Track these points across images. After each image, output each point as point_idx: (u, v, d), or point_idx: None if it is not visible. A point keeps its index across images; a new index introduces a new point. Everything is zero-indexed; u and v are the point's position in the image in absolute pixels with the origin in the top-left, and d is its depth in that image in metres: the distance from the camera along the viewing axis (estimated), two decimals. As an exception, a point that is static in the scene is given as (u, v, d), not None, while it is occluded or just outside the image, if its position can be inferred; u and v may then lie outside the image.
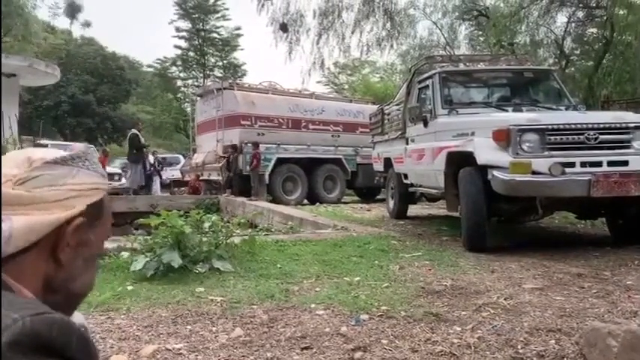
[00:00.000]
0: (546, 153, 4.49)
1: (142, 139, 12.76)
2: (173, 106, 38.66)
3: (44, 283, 0.69)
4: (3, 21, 20.65)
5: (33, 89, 24.77)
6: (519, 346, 2.36)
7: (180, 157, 21.03)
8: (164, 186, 16.80)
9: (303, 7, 14.56)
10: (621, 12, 10.55)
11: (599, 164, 4.42)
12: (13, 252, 0.65)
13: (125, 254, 4.29)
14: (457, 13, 17.49)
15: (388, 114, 8.43)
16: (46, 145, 13.76)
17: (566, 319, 2.74)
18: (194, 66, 38.76)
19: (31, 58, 15.51)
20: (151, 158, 14.14)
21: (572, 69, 14.83)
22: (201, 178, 13.62)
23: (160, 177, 15.05)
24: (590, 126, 4.54)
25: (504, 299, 3.13)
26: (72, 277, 0.73)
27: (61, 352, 0.57)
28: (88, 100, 31.54)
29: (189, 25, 37.72)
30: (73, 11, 50.57)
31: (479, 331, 2.57)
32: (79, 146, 0.78)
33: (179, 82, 39.47)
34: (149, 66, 40.53)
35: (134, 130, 12.78)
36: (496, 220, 5.76)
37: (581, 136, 4.51)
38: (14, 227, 0.64)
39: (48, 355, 0.55)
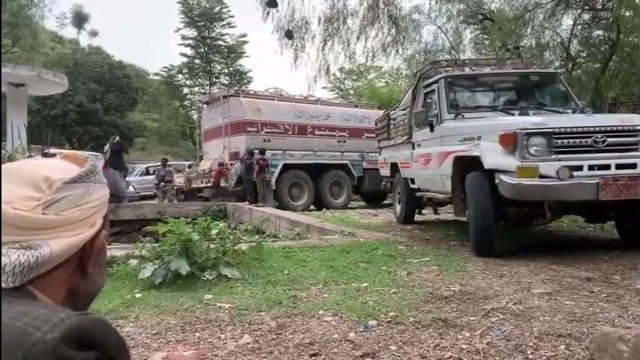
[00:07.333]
0: (554, 157, 4.46)
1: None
2: (179, 113, 38.87)
3: (69, 292, 0.73)
4: (12, 32, 20.88)
5: (41, 98, 25.03)
6: (529, 352, 2.35)
7: (186, 163, 20.87)
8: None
9: (308, 14, 14.58)
10: (627, 14, 10.49)
11: (607, 167, 4.38)
12: (44, 271, 0.68)
13: (133, 262, 4.31)
14: (462, 17, 17.47)
15: (394, 119, 8.43)
16: (54, 155, 13.87)
17: (576, 323, 2.72)
18: (200, 73, 38.95)
19: (39, 67, 15.66)
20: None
21: (579, 71, 14.75)
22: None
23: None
24: (597, 129, 4.52)
25: (513, 304, 3.11)
26: (92, 282, 0.78)
27: (102, 349, 0.61)
28: (95, 108, 31.81)
29: (195, 33, 37.97)
30: (80, 21, 51.22)
31: (488, 337, 2.55)
32: (88, 159, 0.80)
33: (185, 90, 39.67)
34: (155, 74, 40.87)
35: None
36: (504, 224, 5.73)
37: (588, 140, 4.48)
38: (54, 250, 0.67)
39: (91, 350, 0.60)
